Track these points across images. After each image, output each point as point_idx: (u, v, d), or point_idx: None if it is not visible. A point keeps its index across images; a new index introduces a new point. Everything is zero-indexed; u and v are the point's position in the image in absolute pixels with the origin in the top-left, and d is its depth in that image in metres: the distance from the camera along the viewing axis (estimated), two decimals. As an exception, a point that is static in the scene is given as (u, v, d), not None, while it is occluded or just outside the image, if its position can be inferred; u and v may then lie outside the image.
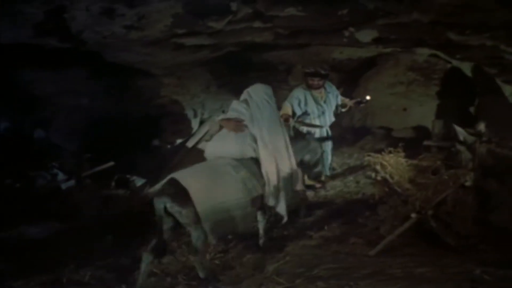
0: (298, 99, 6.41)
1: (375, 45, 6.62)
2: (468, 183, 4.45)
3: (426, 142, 6.26)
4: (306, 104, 6.44)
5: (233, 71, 9.46)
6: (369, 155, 5.26)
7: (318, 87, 6.44)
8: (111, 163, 8.38)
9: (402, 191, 4.72)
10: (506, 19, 4.79)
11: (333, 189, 6.71)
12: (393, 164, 4.93)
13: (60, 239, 5.69)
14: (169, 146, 9.78)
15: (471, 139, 4.74)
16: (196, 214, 4.26)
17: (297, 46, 7.89)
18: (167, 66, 8.39)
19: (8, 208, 6.38)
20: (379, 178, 4.89)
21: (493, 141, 4.66)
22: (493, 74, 6.97)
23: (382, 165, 4.91)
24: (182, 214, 4.31)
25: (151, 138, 9.77)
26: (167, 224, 4.40)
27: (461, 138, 4.77)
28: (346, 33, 6.13)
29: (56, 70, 8.58)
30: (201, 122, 9.56)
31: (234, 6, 5.52)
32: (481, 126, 4.74)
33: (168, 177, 4.52)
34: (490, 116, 6.68)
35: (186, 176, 4.45)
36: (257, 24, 5.95)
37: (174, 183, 4.39)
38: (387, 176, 4.81)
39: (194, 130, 9.47)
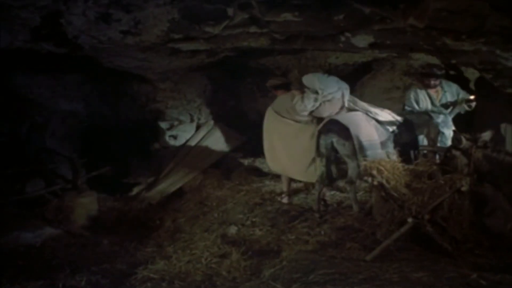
0: (416, 101, 6.68)
1: (371, 50, 6.63)
2: (464, 188, 4.45)
3: (422, 147, 6.27)
4: (418, 103, 6.63)
5: (230, 76, 9.47)
6: (365, 160, 5.27)
7: (433, 87, 6.60)
8: (107, 168, 8.39)
9: (398, 195, 4.73)
10: (501, 25, 4.80)
11: (330, 194, 6.71)
12: (389, 169, 4.94)
13: (56, 245, 5.68)
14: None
15: (467, 144, 4.75)
16: (354, 147, 5.65)
17: (293, 51, 7.90)
18: (163, 71, 8.38)
19: (3, 213, 6.36)
20: (375, 183, 4.89)
21: (488, 146, 4.67)
22: (489, 79, 6.99)
23: (378, 170, 4.91)
24: (345, 146, 5.78)
25: (147, 142, 9.76)
26: (331, 157, 6.00)
27: (461, 145, 4.77)
28: (342, 38, 6.13)
29: (52, 75, 8.58)
30: (198, 127, 9.55)
31: (230, 11, 5.52)
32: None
33: (328, 119, 6.07)
34: (486, 121, 6.72)
35: (344, 118, 5.90)
36: (253, 29, 5.96)
37: (335, 123, 5.87)
38: (384, 181, 4.81)
39: (190, 135, 9.46)
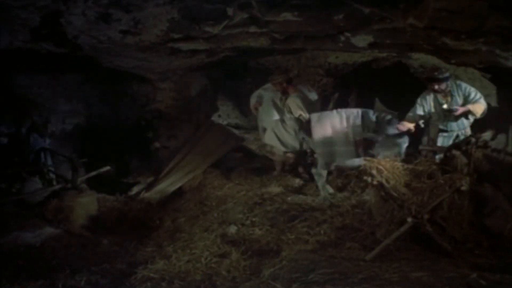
0: (422, 105, 6.58)
1: (371, 50, 6.63)
2: (463, 188, 4.46)
3: (422, 147, 6.27)
4: (428, 108, 6.52)
5: (230, 75, 9.47)
6: (365, 160, 5.27)
7: (439, 91, 6.36)
8: (107, 168, 8.38)
9: (398, 195, 4.73)
10: (500, 25, 4.81)
11: (329, 193, 6.71)
12: (389, 169, 4.94)
13: (56, 244, 5.67)
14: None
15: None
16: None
17: (293, 51, 7.91)
18: (163, 71, 8.39)
19: (3, 213, 6.35)
20: (375, 182, 4.89)
21: (489, 146, 4.67)
22: (488, 78, 7.01)
23: (378, 169, 4.92)
24: (308, 141, 6.80)
25: (147, 142, 9.76)
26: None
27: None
28: (342, 38, 6.14)
29: (52, 75, 8.58)
30: (197, 127, 9.54)
31: (230, 11, 5.53)
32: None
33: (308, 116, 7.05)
34: (486, 121, 6.72)
35: (315, 116, 6.77)
36: (253, 29, 5.97)
37: (308, 120, 6.85)
38: (383, 181, 4.81)
39: (190, 135, 9.46)
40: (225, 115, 9.94)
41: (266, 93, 7.90)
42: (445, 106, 6.30)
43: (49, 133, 9.36)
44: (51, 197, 7.22)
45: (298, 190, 7.06)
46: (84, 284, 4.40)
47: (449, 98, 6.41)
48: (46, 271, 4.74)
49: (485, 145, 4.65)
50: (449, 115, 6.42)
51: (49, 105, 9.20)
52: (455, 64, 6.71)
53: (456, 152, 4.84)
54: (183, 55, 7.18)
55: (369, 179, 4.91)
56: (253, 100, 8.02)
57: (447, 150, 5.15)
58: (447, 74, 6.31)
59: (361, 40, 6.07)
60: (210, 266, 4.72)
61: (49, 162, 8.59)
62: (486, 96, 7.06)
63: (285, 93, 7.61)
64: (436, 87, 6.30)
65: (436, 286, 3.39)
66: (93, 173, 8.10)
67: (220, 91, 9.88)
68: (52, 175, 8.08)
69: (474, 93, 6.30)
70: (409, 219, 4.44)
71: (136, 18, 5.60)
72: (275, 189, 7.15)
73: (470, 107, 6.22)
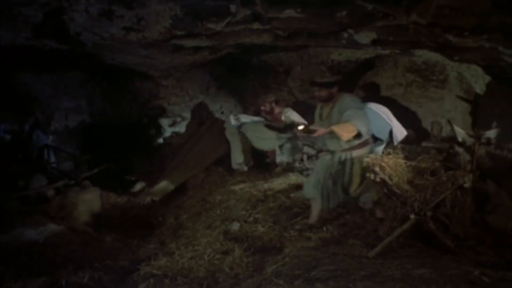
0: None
1: (374, 47, 6.62)
2: (466, 185, 4.44)
3: (424, 144, 6.25)
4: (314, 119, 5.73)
5: (232, 72, 9.46)
6: (367, 157, 5.25)
7: (323, 100, 5.46)
8: (108, 165, 8.40)
9: (401, 192, 4.72)
10: (503, 21, 4.81)
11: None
12: (392, 166, 4.92)
13: (59, 241, 5.68)
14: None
15: (470, 141, 4.74)
16: None
17: (296, 48, 7.90)
18: (166, 68, 8.39)
19: (6, 210, 6.37)
20: (378, 179, 4.87)
21: (492, 143, 4.66)
22: (491, 75, 6.99)
23: (381, 166, 4.90)
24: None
25: (150, 139, 9.77)
26: None
27: (460, 139, 4.76)
28: (345, 35, 6.13)
29: (54, 72, 8.60)
30: (200, 124, 9.55)
31: (233, 7, 5.52)
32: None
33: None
34: (488, 118, 6.70)
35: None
36: (256, 25, 5.96)
37: None
38: (386, 178, 4.80)
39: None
40: (227, 111, 9.93)
41: (245, 118, 8.24)
42: (300, 127, 5.36)
43: (52, 130, 9.40)
44: (54, 193, 7.25)
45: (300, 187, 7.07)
46: (87, 281, 4.40)
47: (328, 110, 5.45)
48: (49, 267, 4.75)
49: (488, 142, 4.64)
50: (310, 137, 5.69)
51: (52, 102, 9.23)
52: (458, 61, 6.70)
53: (459, 149, 4.83)
54: (186, 52, 7.17)
55: (372, 176, 4.90)
56: (236, 123, 8.21)
57: (449, 147, 5.14)
58: (328, 80, 5.57)
59: (364, 37, 6.06)
60: (213, 263, 4.72)
61: (52, 159, 8.63)
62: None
63: (271, 113, 8.00)
64: (316, 93, 5.46)
65: (439, 283, 3.39)
66: (95, 171, 8.14)
67: (223, 87, 9.88)
68: (55, 172, 8.11)
69: (350, 110, 5.21)
70: (412, 216, 4.44)
71: (139, 15, 5.60)
72: (277, 186, 7.15)
73: (334, 128, 5.13)
